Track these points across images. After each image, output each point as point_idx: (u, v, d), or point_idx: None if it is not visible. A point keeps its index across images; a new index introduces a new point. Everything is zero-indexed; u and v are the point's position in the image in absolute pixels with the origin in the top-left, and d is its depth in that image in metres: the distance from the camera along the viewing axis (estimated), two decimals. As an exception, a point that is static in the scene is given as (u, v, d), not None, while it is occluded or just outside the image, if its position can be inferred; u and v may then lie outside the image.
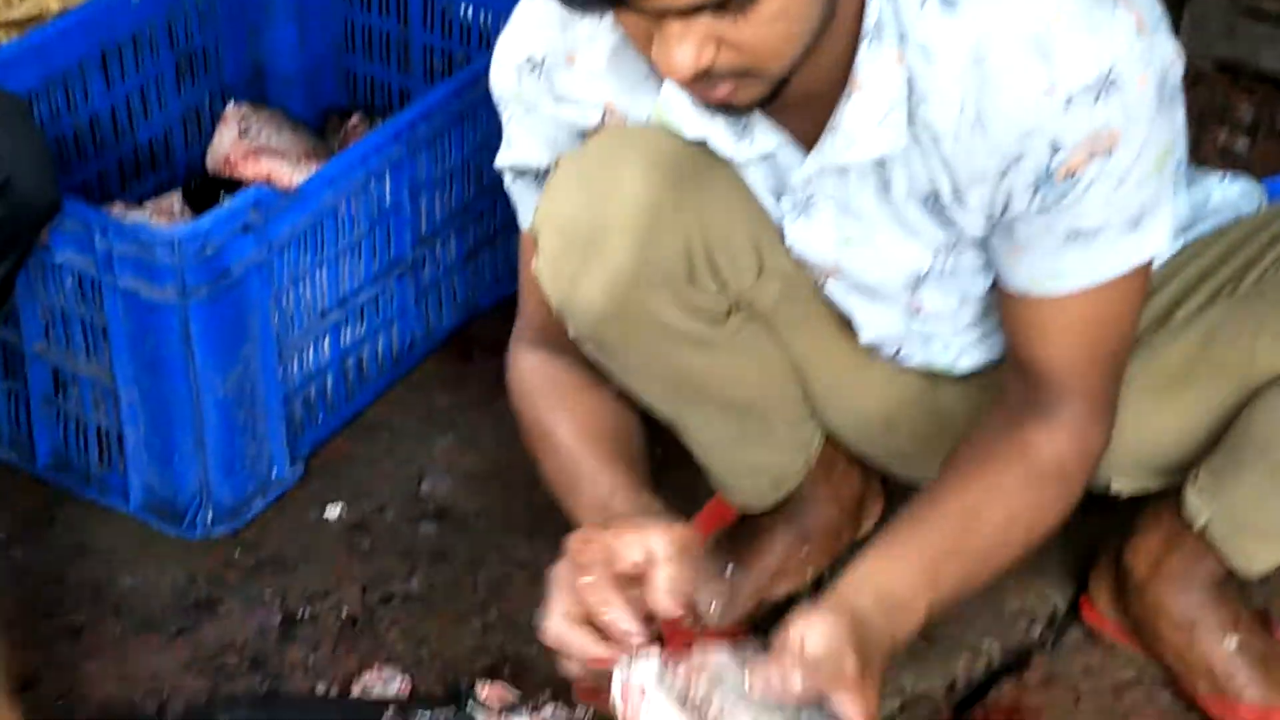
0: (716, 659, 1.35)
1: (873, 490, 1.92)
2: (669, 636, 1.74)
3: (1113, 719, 1.80)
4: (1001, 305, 1.52)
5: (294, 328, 2.03)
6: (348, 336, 2.14)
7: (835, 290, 1.58)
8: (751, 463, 1.74)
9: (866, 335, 1.62)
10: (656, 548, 1.35)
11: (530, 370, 1.63)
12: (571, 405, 1.59)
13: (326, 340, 2.10)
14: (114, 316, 1.91)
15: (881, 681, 1.35)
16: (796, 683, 1.29)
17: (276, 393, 2.04)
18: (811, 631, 1.31)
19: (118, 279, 1.88)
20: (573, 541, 1.39)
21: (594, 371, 1.60)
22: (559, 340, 1.59)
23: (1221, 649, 1.75)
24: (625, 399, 1.63)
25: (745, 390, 1.64)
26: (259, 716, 1.79)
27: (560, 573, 1.39)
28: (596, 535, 1.38)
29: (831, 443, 1.79)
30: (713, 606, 1.81)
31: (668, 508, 1.49)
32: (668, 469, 2.03)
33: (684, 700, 1.34)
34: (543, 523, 2.04)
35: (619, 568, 1.35)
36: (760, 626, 1.83)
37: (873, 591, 1.38)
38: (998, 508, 1.47)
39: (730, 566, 1.83)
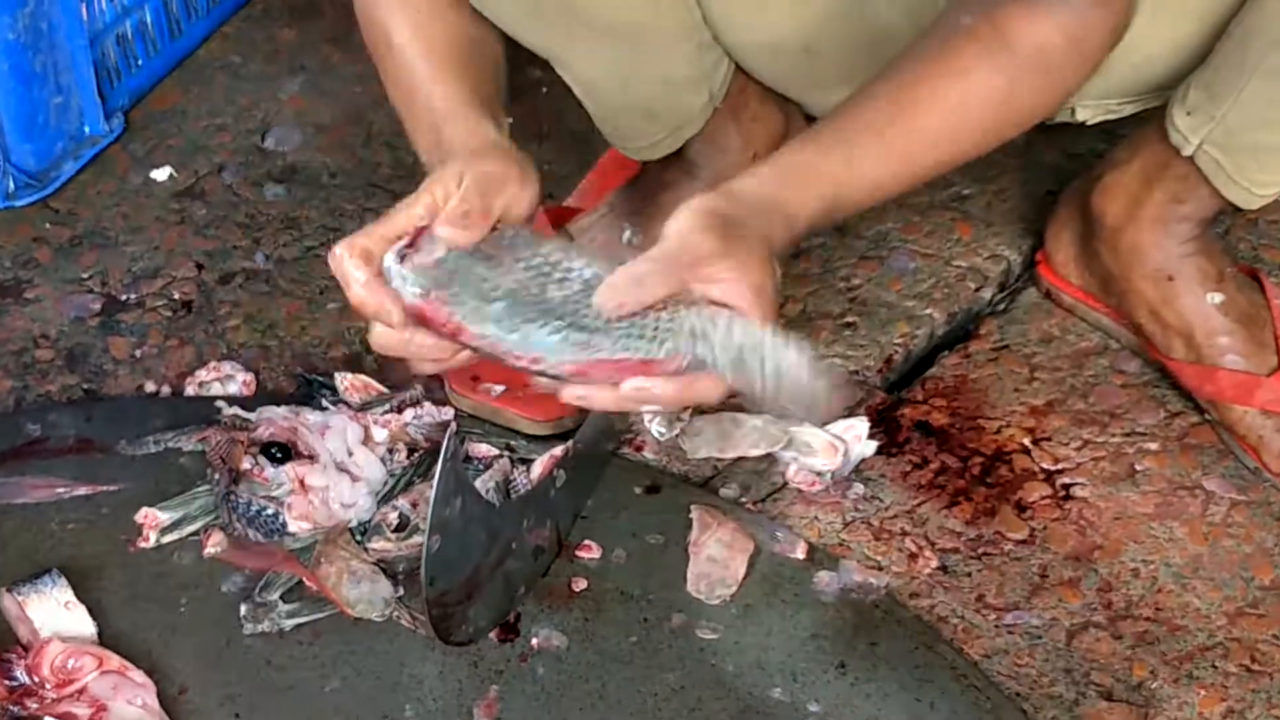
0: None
1: (794, 132, 1.63)
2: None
3: (1073, 393, 1.56)
4: None
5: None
6: (167, -45, 1.85)
7: None
8: (645, 104, 1.46)
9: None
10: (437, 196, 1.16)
11: None
12: (419, 8, 1.32)
13: (140, -38, 1.82)
14: None
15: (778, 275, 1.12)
16: (646, 280, 1.09)
17: (80, 32, 1.77)
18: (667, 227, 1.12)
19: None
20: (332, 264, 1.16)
21: None
22: None
23: (1204, 306, 1.51)
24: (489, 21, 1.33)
25: (629, 9, 1.37)
26: (75, 423, 1.51)
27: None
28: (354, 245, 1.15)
29: (741, 74, 1.51)
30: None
31: (514, 144, 1.25)
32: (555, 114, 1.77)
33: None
34: (410, 181, 1.75)
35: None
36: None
37: (751, 173, 1.17)
38: (949, 89, 1.20)
39: (628, 230, 1.54)
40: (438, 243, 1.13)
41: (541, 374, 1.11)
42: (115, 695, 1.24)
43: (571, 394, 1.11)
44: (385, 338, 1.15)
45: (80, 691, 1.24)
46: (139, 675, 1.26)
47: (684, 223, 1.10)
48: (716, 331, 1.08)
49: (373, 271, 1.13)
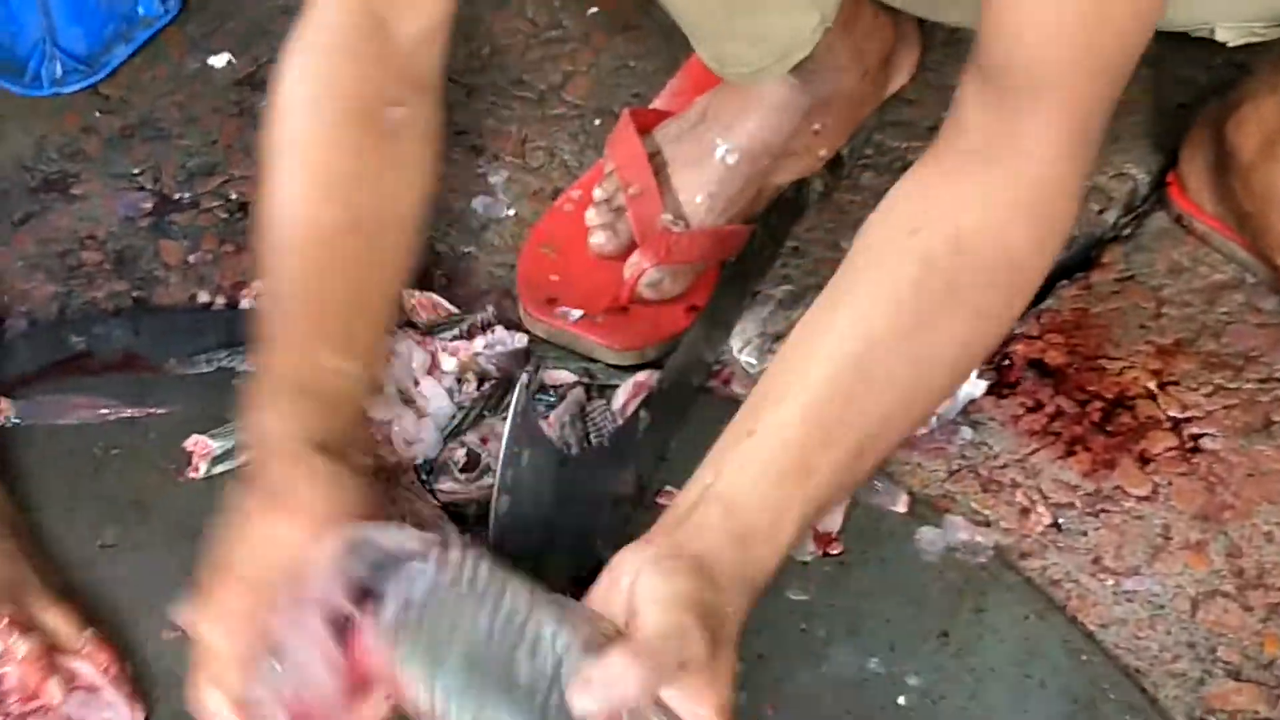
0: None
1: (907, 40, 1.49)
2: (644, 244, 1.37)
3: (1205, 332, 1.43)
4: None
5: None
6: None
7: None
8: (750, 28, 1.30)
9: None
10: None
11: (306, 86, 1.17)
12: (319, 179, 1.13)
13: None
14: None
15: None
16: (631, 685, 0.84)
17: (137, -102, 1.65)
18: (645, 603, 0.89)
19: None
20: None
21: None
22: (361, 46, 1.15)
23: (1348, 245, 1.37)
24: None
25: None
26: (123, 336, 1.41)
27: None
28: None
29: (856, -11, 1.35)
30: (697, 199, 1.40)
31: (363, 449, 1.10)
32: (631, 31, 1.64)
33: None
34: (482, 74, 1.64)
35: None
36: (758, 222, 1.44)
37: (720, 518, 0.95)
38: (908, 345, 1.00)
39: (722, 146, 1.40)
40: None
41: None
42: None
43: None
44: None
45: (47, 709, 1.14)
46: (114, 695, 1.15)
47: (672, 618, 0.88)
48: None
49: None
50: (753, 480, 0.97)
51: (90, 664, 1.14)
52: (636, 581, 0.90)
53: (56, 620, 1.16)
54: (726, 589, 0.92)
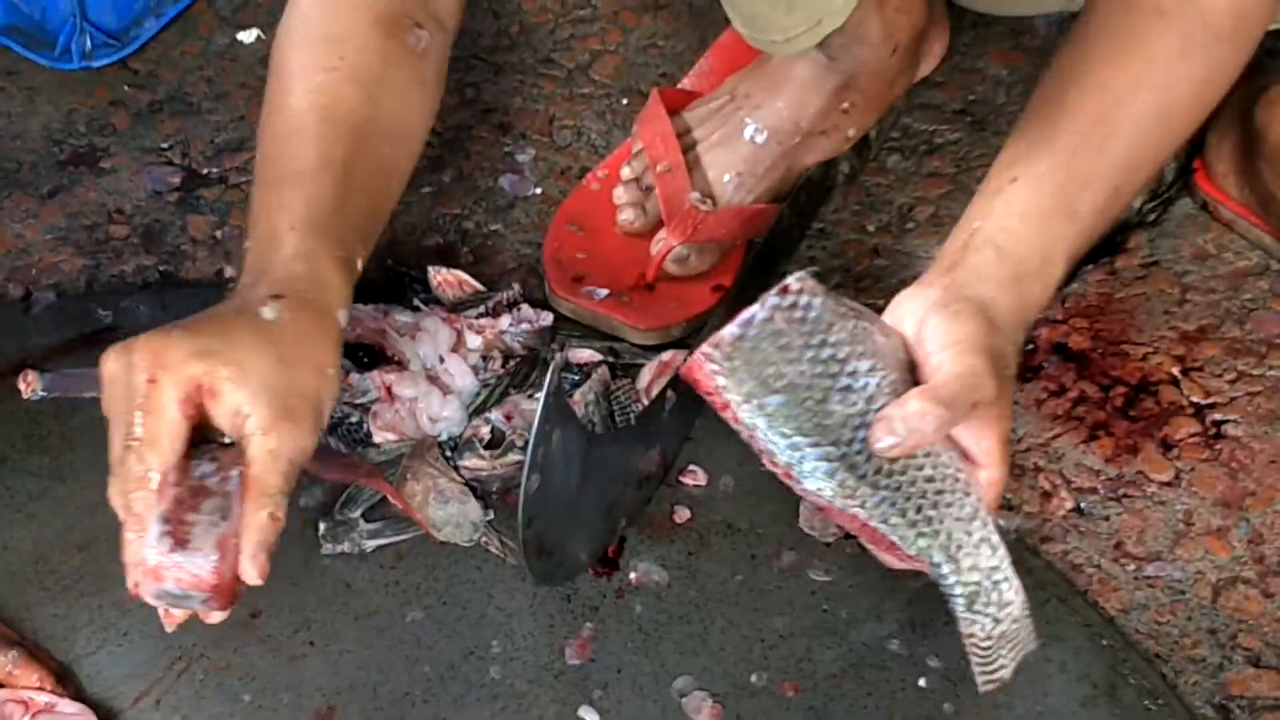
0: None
1: (936, 25, 1.49)
2: (671, 222, 1.37)
3: (1229, 319, 1.42)
4: None
5: None
6: None
7: None
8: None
9: None
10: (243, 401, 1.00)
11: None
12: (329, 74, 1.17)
13: None
14: None
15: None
16: (929, 425, 0.92)
17: (166, -128, 1.64)
18: (937, 348, 0.96)
19: None
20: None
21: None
22: None
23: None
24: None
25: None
26: (150, 311, 1.41)
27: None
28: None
29: (886, -39, 1.35)
30: (725, 178, 1.40)
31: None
32: (660, 10, 1.63)
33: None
34: (511, 51, 1.63)
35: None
36: (787, 199, 1.43)
37: (994, 260, 1.02)
38: (1150, 94, 1.07)
39: (751, 125, 1.40)
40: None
41: (789, 480, 0.98)
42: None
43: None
44: None
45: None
46: (71, 705, 1.15)
47: (965, 363, 0.95)
48: (963, 557, 0.99)
49: None
50: (1021, 221, 1.04)
51: (34, 686, 1.14)
52: (924, 324, 0.97)
53: None
54: (1005, 329, 1.00)
